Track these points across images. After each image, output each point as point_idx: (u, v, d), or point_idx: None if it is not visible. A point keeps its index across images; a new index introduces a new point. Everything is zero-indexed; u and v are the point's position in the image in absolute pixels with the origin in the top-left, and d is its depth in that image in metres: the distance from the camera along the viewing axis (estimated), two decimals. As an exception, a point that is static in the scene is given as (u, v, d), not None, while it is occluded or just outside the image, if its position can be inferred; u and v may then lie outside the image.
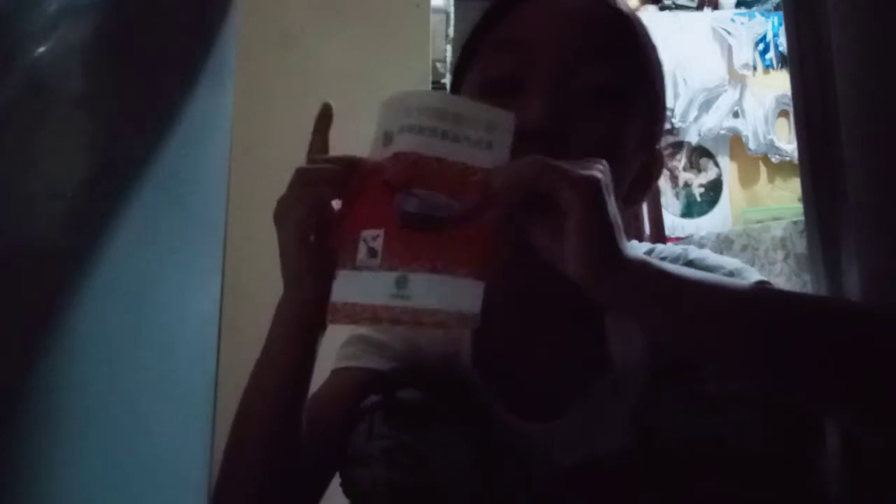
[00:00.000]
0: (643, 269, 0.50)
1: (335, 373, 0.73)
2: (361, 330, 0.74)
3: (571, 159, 0.58)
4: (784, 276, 2.17)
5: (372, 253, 0.53)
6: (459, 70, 0.71)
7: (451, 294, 0.50)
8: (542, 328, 0.68)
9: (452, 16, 2.67)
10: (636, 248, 0.73)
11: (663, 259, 0.70)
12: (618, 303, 0.52)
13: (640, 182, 0.68)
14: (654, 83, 0.69)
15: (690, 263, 0.67)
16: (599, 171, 0.50)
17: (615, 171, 0.64)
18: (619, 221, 0.51)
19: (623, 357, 0.66)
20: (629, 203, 0.69)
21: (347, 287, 0.53)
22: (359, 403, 0.66)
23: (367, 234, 0.53)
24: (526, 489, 0.64)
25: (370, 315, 0.52)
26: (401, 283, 0.51)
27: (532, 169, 0.50)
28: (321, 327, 0.61)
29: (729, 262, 0.68)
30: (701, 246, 2.40)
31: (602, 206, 0.49)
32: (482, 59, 0.67)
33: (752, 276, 0.66)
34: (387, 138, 0.56)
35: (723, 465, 0.57)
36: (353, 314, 0.53)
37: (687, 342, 0.52)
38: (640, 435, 0.60)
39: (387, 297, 0.51)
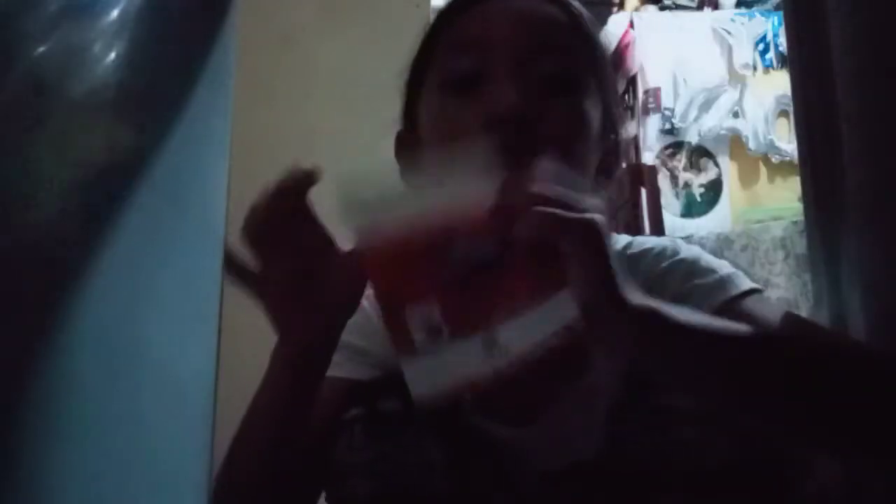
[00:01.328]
0: (642, 318, 0.49)
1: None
2: (344, 336, 0.74)
3: (539, 143, 0.61)
4: (784, 276, 2.17)
5: (435, 331, 0.48)
6: (416, 72, 0.73)
7: (542, 325, 0.47)
8: None
9: (452, 16, 2.67)
10: (616, 241, 0.73)
11: (649, 250, 0.69)
12: (613, 345, 0.52)
13: (602, 170, 0.70)
14: (606, 77, 0.72)
15: (681, 262, 0.67)
16: (598, 209, 0.49)
17: (580, 157, 0.66)
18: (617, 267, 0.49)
19: (601, 363, 0.65)
20: (603, 178, 0.71)
21: (424, 374, 0.49)
22: (341, 414, 0.66)
23: (419, 311, 0.48)
24: (505, 493, 0.64)
25: (467, 388, 0.48)
26: (489, 344, 0.47)
27: (532, 221, 0.47)
28: (315, 376, 0.62)
29: (721, 265, 0.67)
30: (701, 246, 2.40)
31: (602, 250, 0.48)
32: (442, 58, 0.70)
33: (744, 283, 0.65)
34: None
35: (688, 480, 0.56)
36: (446, 396, 0.49)
37: (686, 387, 0.52)
38: (609, 443, 0.60)
39: (479, 364, 0.47)
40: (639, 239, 0.73)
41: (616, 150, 0.73)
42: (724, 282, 0.65)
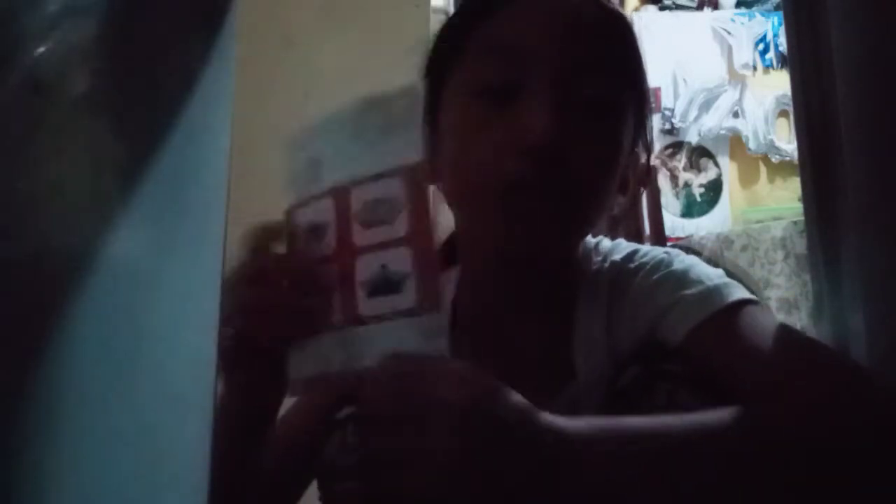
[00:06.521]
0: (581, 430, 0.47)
1: None
2: None
3: (569, 178, 0.58)
4: (784, 276, 2.17)
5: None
6: (440, 67, 0.67)
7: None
8: (516, 334, 0.67)
9: (452, 16, 2.67)
10: (621, 249, 0.71)
11: (644, 264, 0.67)
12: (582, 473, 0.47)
13: (620, 187, 0.68)
14: (642, 85, 0.69)
15: (671, 274, 0.64)
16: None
17: (610, 182, 0.64)
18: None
19: (586, 371, 0.64)
20: (619, 196, 0.69)
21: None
22: (334, 414, 0.65)
23: None
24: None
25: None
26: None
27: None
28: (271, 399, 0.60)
29: (712, 276, 0.63)
30: (701, 246, 2.40)
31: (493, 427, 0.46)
32: (472, 61, 0.64)
33: (734, 293, 0.61)
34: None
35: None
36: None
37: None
38: None
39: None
40: (642, 250, 0.70)
41: (636, 164, 0.70)
42: (711, 294, 0.61)
